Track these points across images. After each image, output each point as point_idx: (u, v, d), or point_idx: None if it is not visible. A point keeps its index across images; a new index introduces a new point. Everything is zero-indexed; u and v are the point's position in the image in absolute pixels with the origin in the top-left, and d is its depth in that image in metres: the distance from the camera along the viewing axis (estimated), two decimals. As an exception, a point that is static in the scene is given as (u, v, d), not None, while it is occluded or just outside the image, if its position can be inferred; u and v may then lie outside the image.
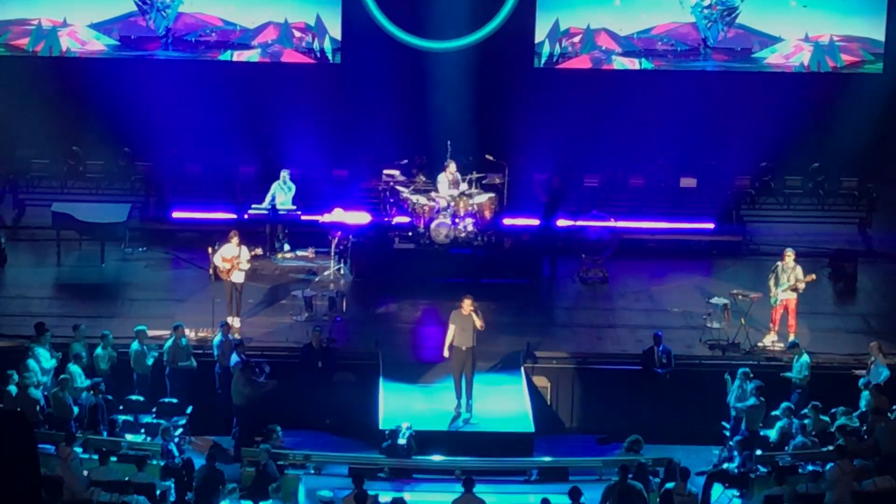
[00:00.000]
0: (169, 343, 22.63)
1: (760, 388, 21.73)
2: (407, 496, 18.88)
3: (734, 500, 20.28)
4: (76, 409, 21.31)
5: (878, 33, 30.62)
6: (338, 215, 27.28)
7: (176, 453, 20.43)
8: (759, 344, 24.11)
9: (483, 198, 26.87)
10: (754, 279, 26.23)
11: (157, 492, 19.19)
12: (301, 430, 22.43)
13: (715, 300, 24.97)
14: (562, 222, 28.39)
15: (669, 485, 19.16)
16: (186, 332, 23.15)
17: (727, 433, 22.08)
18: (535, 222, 28.19)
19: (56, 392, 21.31)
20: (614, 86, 30.81)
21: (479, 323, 21.91)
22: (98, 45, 30.53)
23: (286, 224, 27.99)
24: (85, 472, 19.06)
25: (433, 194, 26.86)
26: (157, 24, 30.51)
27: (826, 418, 21.52)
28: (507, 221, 27.69)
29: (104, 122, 29.51)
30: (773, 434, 21.49)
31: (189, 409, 22.22)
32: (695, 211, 29.54)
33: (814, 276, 24.21)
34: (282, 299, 25.89)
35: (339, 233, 26.87)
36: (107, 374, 22.28)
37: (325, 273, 26.87)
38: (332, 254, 26.84)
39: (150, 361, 22.57)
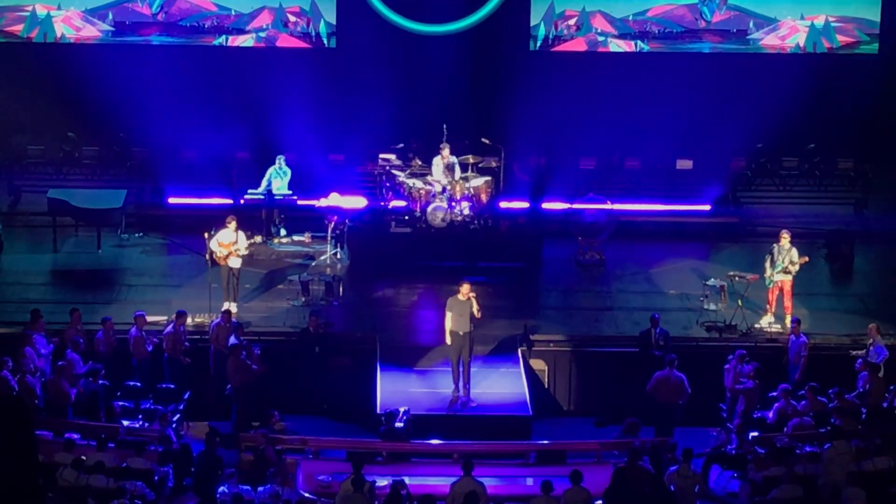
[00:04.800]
0: (169, 330, 22.66)
1: (758, 369, 21.78)
2: (405, 480, 18.87)
3: (732, 480, 20.33)
4: (74, 396, 21.36)
5: (874, 14, 30.56)
6: (334, 200, 27.27)
7: (174, 439, 20.45)
8: (756, 325, 24.15)
9: (479, 181, 26.84)
10: (751, 261, 26.26)
11: (156, 477, 19.21)
12: (299, 414, 22.45)
13: (712, 282, 25.01)
14: (558, 205, 28.44)
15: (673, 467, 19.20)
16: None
17: (724, 415, 22.13)
18: (527, 205, 28.30)
19: (53, 379, 21.31)
20: (610, 68, 30.76)
21: (476, 310, 21.93)
22: (92, 30, 30.46)
23: (282, 209, 27.99)
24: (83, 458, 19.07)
25: (429, 178, 26.84)
26: (150, 1, 30.39)
27: (823, 399, 21.55)
28: (503, 205, 27.69)
29: (99, 108, 29.41)
30: (770, 415, 21.52)
31: (187, 395, 22.24)
32: (691, 193, 29.58)
33: (806, 258, 24.21)
34: (279, 284, 25.91)
35: (336, 217, 26.86)
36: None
37: (322, 258, 26.87)
38: (329, 238, 26.83)
39: (149, 348, 22.62)
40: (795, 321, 23.15)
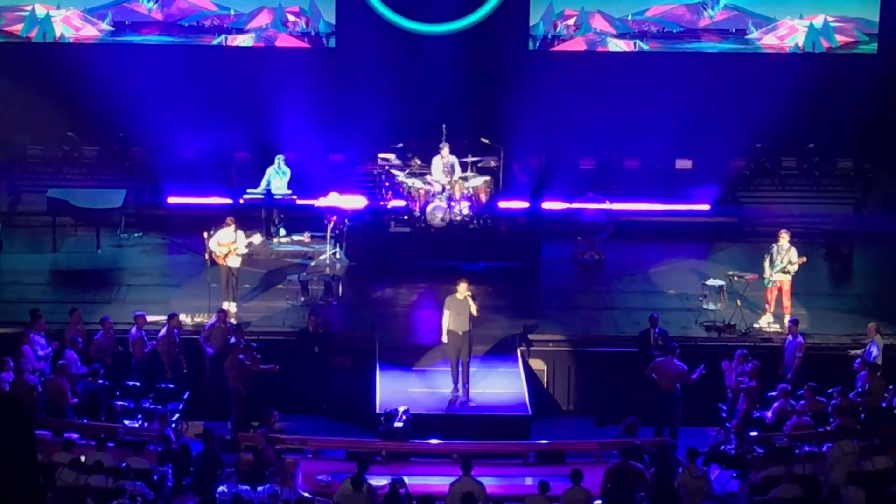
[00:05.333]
0: (162, 333, 22.66)
1: (757, 368, 21.79)
2: (404, 479, 18.87)
3: (731, 480, 20.33)
4: (73, 395, 21.38)
5: (873, 14, 30.53)
6: (333, 199, 27.26)
7: (173, 438, 20.45)
8: (755, 325, 24.15)
9: (478, 181, 26.84)
10: (750, 260, 26.26)
11: (155, 477, 19.21)
12: (298, 414, 22.46)
13: (711, 282, 25.01)
14: (557, 205, 28.47)
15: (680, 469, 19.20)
16: (182, 317, 23.16)
17: (723, 415, 22.13)
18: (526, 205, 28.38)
19: (53, 378, 21.31)
20: (609, 68, 30.75)
21: (473, 309, 21.93)
22: (92, 30, 30.44)
23: (282, 209, 28.00)
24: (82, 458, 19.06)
25: (428, 177, 26.85)
26: (147, -1, 30.49)
27: (822, 399, 21.56)
28: (502, 204, 27.69)
29: (99, 108, 29.40)
30: (769, 415, 21.52)
31: (186, 395, 22.24)
32: (690, 193, 29.60)
33: (804, 259, 24.18)
34: (278, 284, 25.93)
35: (335, 217, 26.85)
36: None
37: (321, 257, 26.86)
38: (328, 238, 26.82)
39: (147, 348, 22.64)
40: (792, 321, 23.13)
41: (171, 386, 22.20)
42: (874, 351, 22.30)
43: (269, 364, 22.31)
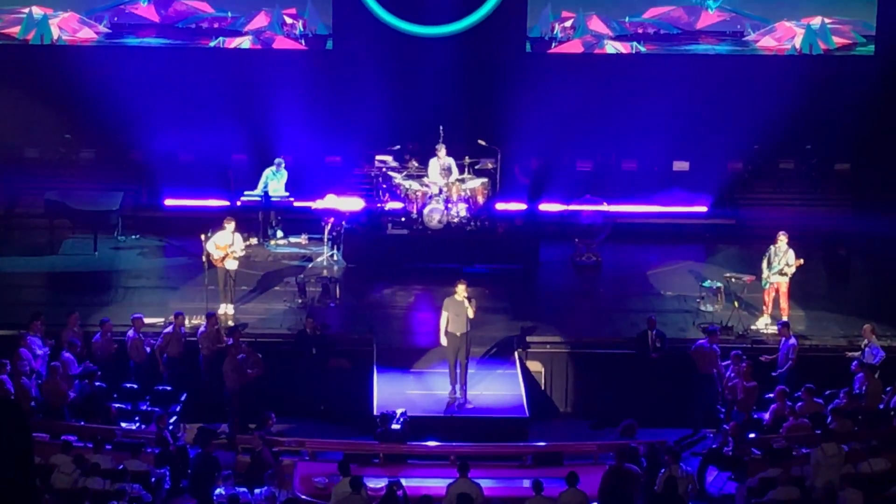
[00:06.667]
0: (168, 329, 22.68)
1: (751, 366, 21.79)
2: (402, 481, 18.87)
3: (728, 482, 20.32)
4: (70, 396, 21.38)
5: (870, 16, 30.54)
6: (330, 201, 27.27)
7: (170, 441, 20.44)
8: (752, 327, 24.15)
9: (476, 183, 26.85)
10: (747, 262, 26.29)
11: (152, 479, 19.21)
12: (295, 416, 22.46)
13: (708, 283, 25.03)
14: (554, 207, 28.48)
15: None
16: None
17: (721, 416, 22.13)
18: (524, 207, 28.39)
19: (49, 380, 21.29)
20: (606, 70, 30.75)
21: (471, 311, 21.91)
22: (89, 33, 30.41)
23: (279, 211, 28.00)
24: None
25: (425, 180, 26.85)
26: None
27: (819, 401, 21.56)
28: (499, 206, 27.70)
29: (96, 110, 29.38)
30: (766, 416, 21.52)
31: (183, 397, 22.22)
32: (688, 194, 29.61)
33: (801, 261, 24.18)
34: (275, 286, 25.92)
35: (332, 219, 26.86)
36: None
37: (319, 259, 26.86)
38: (326, 240, 26.82)
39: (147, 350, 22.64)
40: (783, 324, 23.10)
41: (169, 388, 22.20)
42: (879, 353, 22.29)
43: (258, 368, 22.26)
